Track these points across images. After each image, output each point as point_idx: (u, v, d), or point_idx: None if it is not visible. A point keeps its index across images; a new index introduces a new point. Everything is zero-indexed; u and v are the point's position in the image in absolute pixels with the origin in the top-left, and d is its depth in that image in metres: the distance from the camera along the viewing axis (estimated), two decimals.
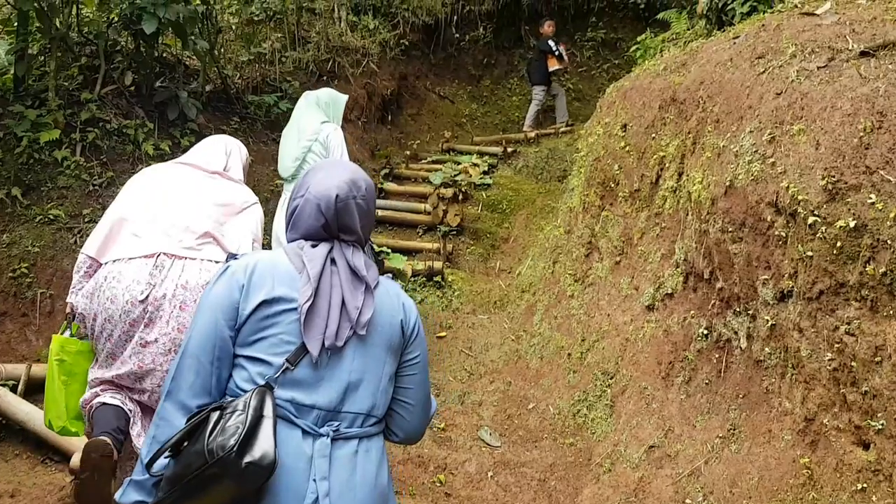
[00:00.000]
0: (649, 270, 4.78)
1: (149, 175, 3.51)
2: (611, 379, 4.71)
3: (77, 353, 3.29)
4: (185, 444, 1.88)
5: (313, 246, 2.08)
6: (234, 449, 1.77)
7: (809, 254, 3.43)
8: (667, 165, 4.86)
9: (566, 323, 5.42)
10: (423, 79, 11.34)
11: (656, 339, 4.47)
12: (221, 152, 3.70)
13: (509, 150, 9.53)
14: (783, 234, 3.62)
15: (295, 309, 1.97)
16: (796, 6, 4.80)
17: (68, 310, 3.27)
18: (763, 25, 4.71)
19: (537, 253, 6.60)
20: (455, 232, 7.68)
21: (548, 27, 10.80)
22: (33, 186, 6.07)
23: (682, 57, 5.29)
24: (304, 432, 1.95)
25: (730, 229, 3.95)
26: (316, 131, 5.62)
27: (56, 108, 6.31)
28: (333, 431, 1.97)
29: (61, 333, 3.33)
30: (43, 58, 6.91)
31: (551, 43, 10.55)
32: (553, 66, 10.56)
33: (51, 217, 5.92)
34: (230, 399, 1.92)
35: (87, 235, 5.81)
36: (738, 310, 3.91)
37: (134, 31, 6.92)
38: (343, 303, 2.01)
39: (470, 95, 11.68)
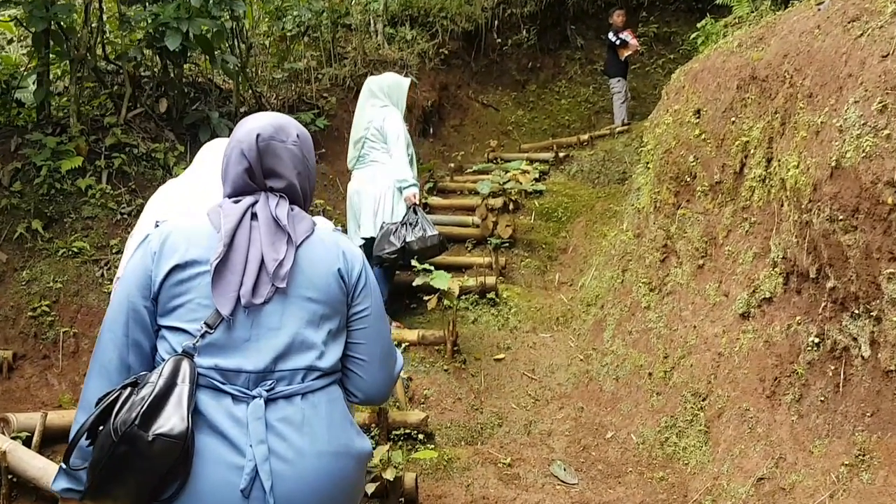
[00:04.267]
0: (740, 273, 4.17)
1: (161, 197, 3.15)
2: (703, 401, 4.10)
3: None
4: (101, 427, 1.76)
5: (235, 202, 1.97)
6: (136, 422, 1.68)
7: None
8: (752, 152, 4.27)
9: (643, 338, 4.81)
10: (465, 87, 10.86)
11: (756, 352, 3.87)
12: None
13: (561, 154, 8.96)
14: None
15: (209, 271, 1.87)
16: None
17: None
18: None
19: (602, 262, 6.01)
20: (507, 244, 7.09)
21: (617, 17, 10.34)
22: (55, 218, 5.70)
23: (757, 31, 4.72)
24: (235, 398, 1.82)
25: (840, 217, 3.35)
26: (371, 118, 5.57)
27: (78, 133, 5.95)
28: (267, 391, 1.83)
29: None
30: (67, 86, 6.62)
31: (611, 35, 10.18)
32: (623, 54, 10.18)
33: (75, 250, 5.54)
34: (144, 373, 1.82)
35: (115, 267, 5.52)
36: (856, 312, 3.32)
37: (159, 49, 6.59)
38: (262, 257, 1.89)
39: (515, 102, 11.15)
